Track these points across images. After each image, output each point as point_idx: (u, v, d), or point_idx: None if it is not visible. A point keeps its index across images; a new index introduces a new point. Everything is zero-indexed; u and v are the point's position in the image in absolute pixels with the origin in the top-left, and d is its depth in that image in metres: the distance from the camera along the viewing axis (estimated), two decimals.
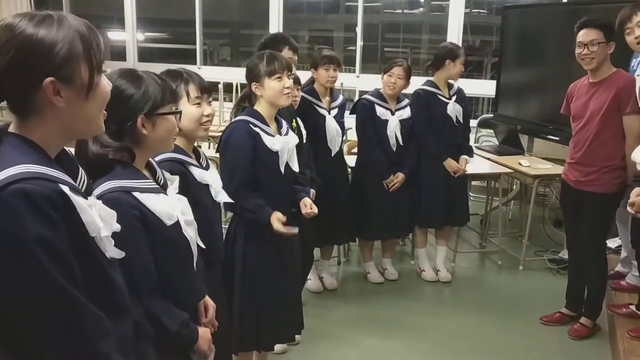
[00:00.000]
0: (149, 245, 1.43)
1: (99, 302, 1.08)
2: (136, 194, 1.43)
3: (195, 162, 1.92)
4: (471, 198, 4.40)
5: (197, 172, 1.90)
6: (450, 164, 3.93)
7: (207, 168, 1.96)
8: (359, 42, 6.07)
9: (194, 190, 1.84)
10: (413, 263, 4.44)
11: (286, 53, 2.94)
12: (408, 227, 4.22)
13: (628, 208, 2.65)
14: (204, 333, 1.60)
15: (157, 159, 1.69)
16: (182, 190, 1.63)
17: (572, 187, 3.23)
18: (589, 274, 3.31)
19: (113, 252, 1.16)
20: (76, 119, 1.08)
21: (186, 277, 1.57)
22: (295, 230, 2.45)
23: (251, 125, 2.37)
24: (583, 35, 3.04)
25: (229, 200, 2.05)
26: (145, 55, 7.16)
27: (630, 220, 3.12)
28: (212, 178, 1.95)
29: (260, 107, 2.44)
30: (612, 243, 3.87)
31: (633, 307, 3.32)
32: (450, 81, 4.02)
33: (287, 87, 2.41)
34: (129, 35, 6.81)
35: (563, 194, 3.42)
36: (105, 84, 1.12)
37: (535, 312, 3.59)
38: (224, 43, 9.35)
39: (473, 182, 4.25)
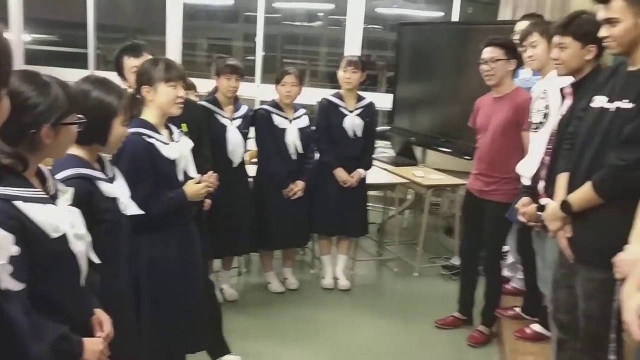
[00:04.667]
0: (28, 257, 1.30)
1: None
2: (18, 203, 1.33)
3: (101, 174, 1.84)
4: (369, 207, 4.51)
5: (105, 187, 1.81)
6: (339, 174, 3.99)
7: (113, 179, 1.88)
8: (259, 52, 6.08)
9: (100, 207, 1.77)
10: (313, 272, 4.49)
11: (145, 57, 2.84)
12: (307, 236, 4.27)
13: (519, 217, 2.84)
14: (93, 345, 1.51)
15: (60, 176, 1.63)
16: (88, 208, 1.55)
17: (475, 196, 3.38)
18: (487, 282, 3.47)
19: (8, 283, 1.05)
20: None
21: (71, 292, 1.49)
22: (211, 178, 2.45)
23: (144, 137, 2.28)
24: (485, 53, 3.22)
25: (139, 212, 1.97)
26: (31, 57, 6.74)
27: (517, 228, 3.33)
28: (119, 190, 1.87)
29: (149, 114, 2.35)
30: None
31: (518, 309, 3.54)
32: (361, 94, 4.11)
33: (180, 97, 2.35)
34: (14, 35, 6.38)
35: (466, 202, 3.56)
36: (6, 103, 1.00)
37: (430, 316, 3.74)
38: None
39: (370, 192, 4.38)
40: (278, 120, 3.83)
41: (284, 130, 3.83)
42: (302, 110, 3.96)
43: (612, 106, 2.07)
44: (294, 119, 3.88)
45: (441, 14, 6.61)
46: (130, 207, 1.91)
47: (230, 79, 3.55)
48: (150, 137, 2.29)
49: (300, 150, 3.87)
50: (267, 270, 4.13)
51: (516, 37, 3.53)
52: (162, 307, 2.37)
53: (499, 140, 3.23)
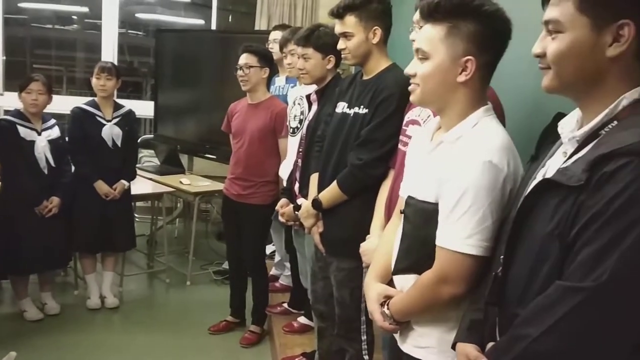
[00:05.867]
0: None
1: None
2: None
3: None
4: (136, 219, 4.35)
5: None
6: (100, 186, 3.78)
7: None
8: (1, 57, 5.47)
9: None
10: (77, 293, 4.18)
11: None
12: (68, 255, 3.96)
13: (280, 218, 2.98)
14: None
15: None
16: None
17: (233, 201, 3.46)
18: (253, 282, 3.57)
19: None
20: None
21: None
22: None
23: None
24: (240, 59, 3.30)
25: None
26: None
27: (284, 228, 3.50)
28: None
29: None
30: (267, 250, 4.27)
31: (286, 305, 3.72)
32: (119, 101, 3.93)
33: None
34: None
35: (224, 207, 3.62)
36: None
37: (204, 324, 3.73)
38: None
39: (137, 203, 4.22)
40: (24, 132, 3.51)
41: (32, 142, 3.52)
42: (52, 121, 3.67)
43: (351, 111, 2.29)
44: (43, 129, 3.58)
45: (202, 22, 6.65)
46: None
47: None
48: None
49: (53, 163, 3.58)
50: (21, 298, 3.74)
51: (271, 46, 3.72)
52: None
53: (255, 145, 3.36)
